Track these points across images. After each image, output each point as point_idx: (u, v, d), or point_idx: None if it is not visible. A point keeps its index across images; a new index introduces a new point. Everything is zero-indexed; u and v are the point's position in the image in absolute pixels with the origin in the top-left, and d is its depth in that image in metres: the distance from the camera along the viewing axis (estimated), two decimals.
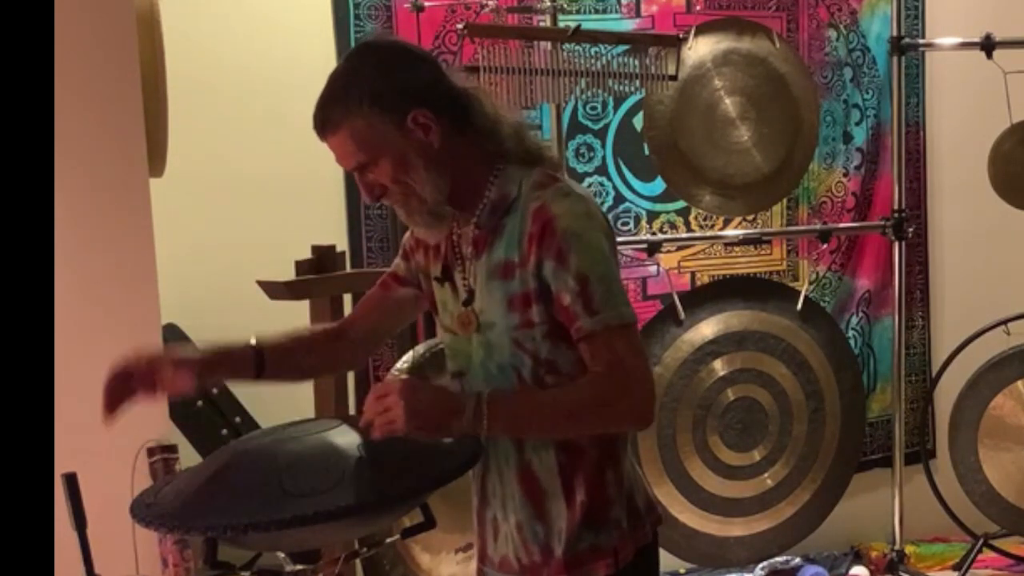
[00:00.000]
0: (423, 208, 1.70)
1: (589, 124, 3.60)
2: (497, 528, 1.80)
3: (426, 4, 3.09)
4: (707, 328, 3.56)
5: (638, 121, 3.57)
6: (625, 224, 3.67)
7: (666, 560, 3.60)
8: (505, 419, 1.62)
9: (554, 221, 1.63)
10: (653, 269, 3.67)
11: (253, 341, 1.81)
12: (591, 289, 1.61)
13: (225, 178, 3.21)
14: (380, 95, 1.64)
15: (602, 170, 3.63)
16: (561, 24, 3.17)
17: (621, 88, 3.13)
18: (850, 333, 3.93)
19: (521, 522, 1.76)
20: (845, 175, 3.90)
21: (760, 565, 3.70)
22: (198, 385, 1.74)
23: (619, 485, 1.74)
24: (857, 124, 3.90)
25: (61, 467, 1.69)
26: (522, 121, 1.81)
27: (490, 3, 3.12)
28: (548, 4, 3.17)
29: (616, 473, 1.74)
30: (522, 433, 1.70)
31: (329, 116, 1.67)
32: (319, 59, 3.08)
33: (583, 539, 1.72)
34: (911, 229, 3.77)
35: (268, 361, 1.81)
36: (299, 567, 1.77)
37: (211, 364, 1.78)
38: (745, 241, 3.68)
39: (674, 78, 3.16)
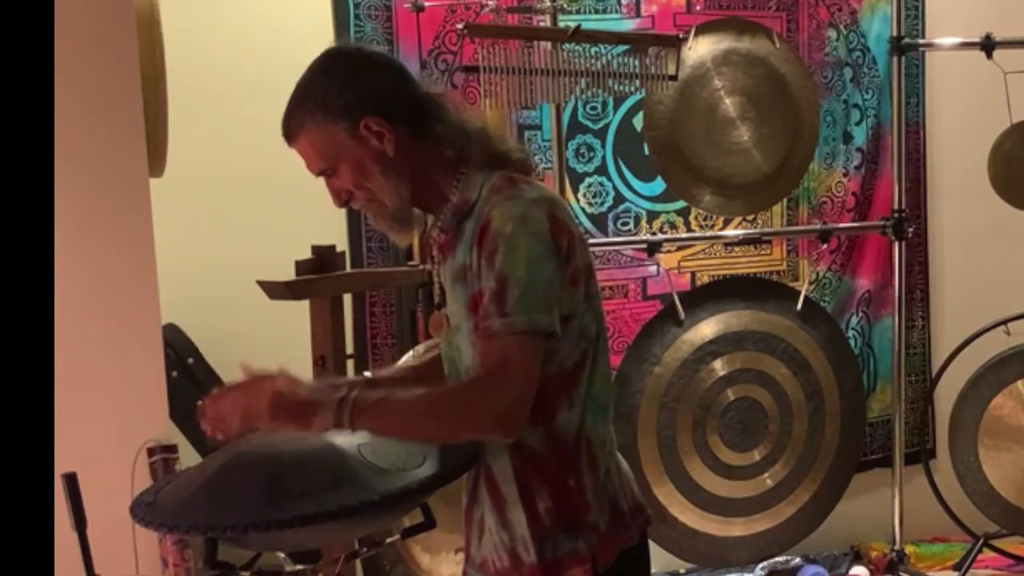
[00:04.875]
0: (385, 213, 1.74)
1: (589, 124, 3.60)
2: (483, 528, 1.79)
3: (426, 4, 3.09)
4: (707, 328, 3.56)
5: (638, 121, 3.57)
6: (625, 224, 3.67)
7: (666, 560, 3.61)
8: (369, 416, 1.59)
9: (490, 223, 1.63)
10: (653, 269, 3.67)
11: (368, 374, 1.84)
12: (508, 292, 1.58)
13: (225, 178, 3.21)
14: (332, 104, 1.68)
15: (602, 170, 3.63)
16: (561, 24, 3.17)
17: (621, 88, 3.13)
18: (850, 333, 3.93)
19: (491, 526, 1.75)
20: (845, 175, 3.90)
21: (760, 565, 3.70)
22: None
23: (597, 490, 1.72)
24: (857, 124, 3.90)
25: (61, 467, 1.69)
26: (486, 126, 1.80)
27: (490, 3, 3.12)
28: (548, 4, 3.17)
29: (594, 478, 1.72)
30: (390, 432, 1.64)
31: (289, 124, 1.73)
32: None
33: (560, 544, 1.70)
34: (911, 229, 3.77)
35: None
36: (299, 567, 1.78)
37: None
38: (745, 241, 3.68)
39: (674, 78, 3.16)
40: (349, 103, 1.68)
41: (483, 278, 1.62)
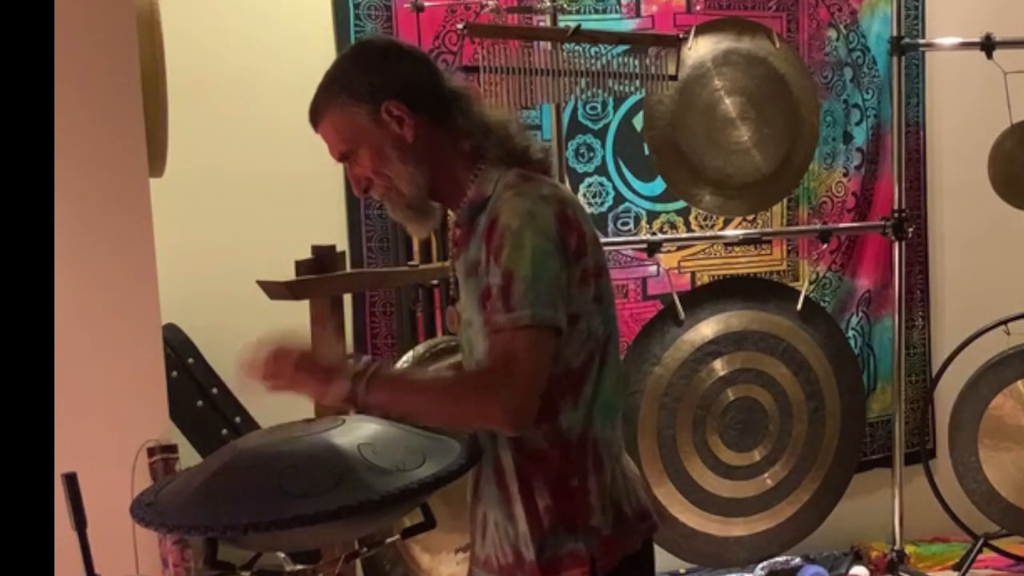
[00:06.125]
0: (402, 202, 1.76)
1: (589, 124, 3.60)
2: (485, 525, 1.80)
3: (426, 4, 3.09)
4: (707, 328, 3.56)
5: (638, 121, 3.57)
6: (625, 224, 3.67)
7: (666, 560, 3.61)
8: (386, 390, 1.62)
9: (499, 218, 1.65)
10: (653, 269, 3.67)
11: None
12: (514, 287, 1.59)
13: (225, 178, 3.21)
14: (356, 87, 1.72)
15: (602, 170, 3.63)
16: (561, 24, 3.17)
17: (621, 88, 3.13)
18: (850, 333, 3.93)
19: (498, 520, 1.76)
20: (845, 175, 3.90)
21: (760, 565, 3.70)
22: None
23: (602, 492, 1.72)
24: (857, 124, 3.90)
25: (61, 467, 1.69)
26: (508, 122, 1.81)
27: (490, 3, 3.12)
28: (548, 4, 3.17)
29: (599, 480, 1.72)
30: (401, 409, 1.68)
31: (315, 107, 1.76)
32: (319, 59, 3.04)
33: (562, 544, 1.70)
34: (911, 229, 3.77)
35: None
36: (299, 567, 1.78)
37: None
38: (745, 241, 3.68)
39: (674, 78, 3.16)
40: (373, 86, 1.71)
41: (490, 274, 1.63)
